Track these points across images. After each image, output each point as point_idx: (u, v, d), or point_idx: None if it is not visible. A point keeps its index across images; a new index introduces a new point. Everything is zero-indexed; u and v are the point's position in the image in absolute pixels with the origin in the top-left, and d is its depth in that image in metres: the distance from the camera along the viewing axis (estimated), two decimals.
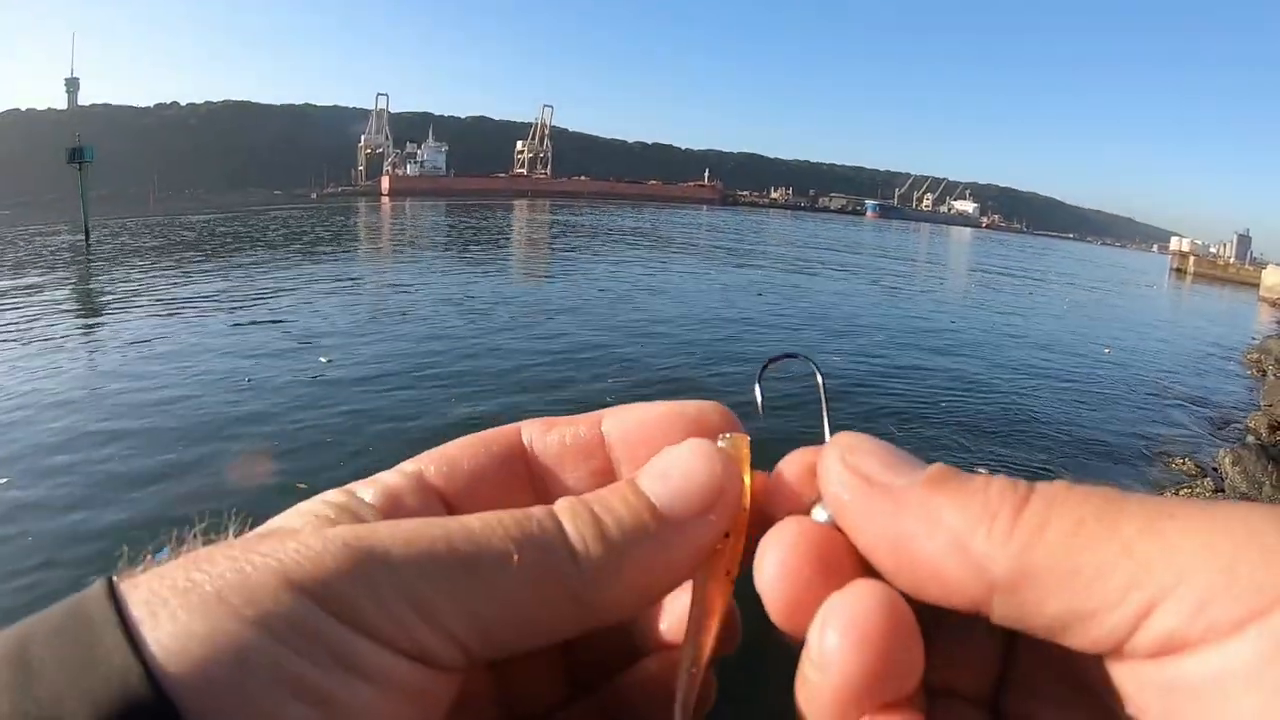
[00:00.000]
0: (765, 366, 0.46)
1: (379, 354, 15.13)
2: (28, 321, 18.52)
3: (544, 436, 0.49)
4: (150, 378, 13.23)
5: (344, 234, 56.02)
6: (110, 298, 23.10)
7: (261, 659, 0.33)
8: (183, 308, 20.41)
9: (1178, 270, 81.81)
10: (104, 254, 37.35)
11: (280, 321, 18.20)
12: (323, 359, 14.30)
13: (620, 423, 0.49)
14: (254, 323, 18.17)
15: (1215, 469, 11.83)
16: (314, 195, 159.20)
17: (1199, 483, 10.92)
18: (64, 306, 21.36)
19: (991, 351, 19.46)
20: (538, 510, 0.41)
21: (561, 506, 0.42)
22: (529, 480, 0.48)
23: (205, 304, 20.92)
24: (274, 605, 0.34)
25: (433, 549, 0.37)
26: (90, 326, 18.61)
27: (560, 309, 20.83)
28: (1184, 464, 11.73)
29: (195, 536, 0.42)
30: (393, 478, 0.46)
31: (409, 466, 0.47)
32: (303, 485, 8.49)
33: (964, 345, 19.84)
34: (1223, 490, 10.75)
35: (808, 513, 0.41)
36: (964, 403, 14.13)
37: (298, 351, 15.15)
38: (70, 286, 25.57)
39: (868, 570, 0.38)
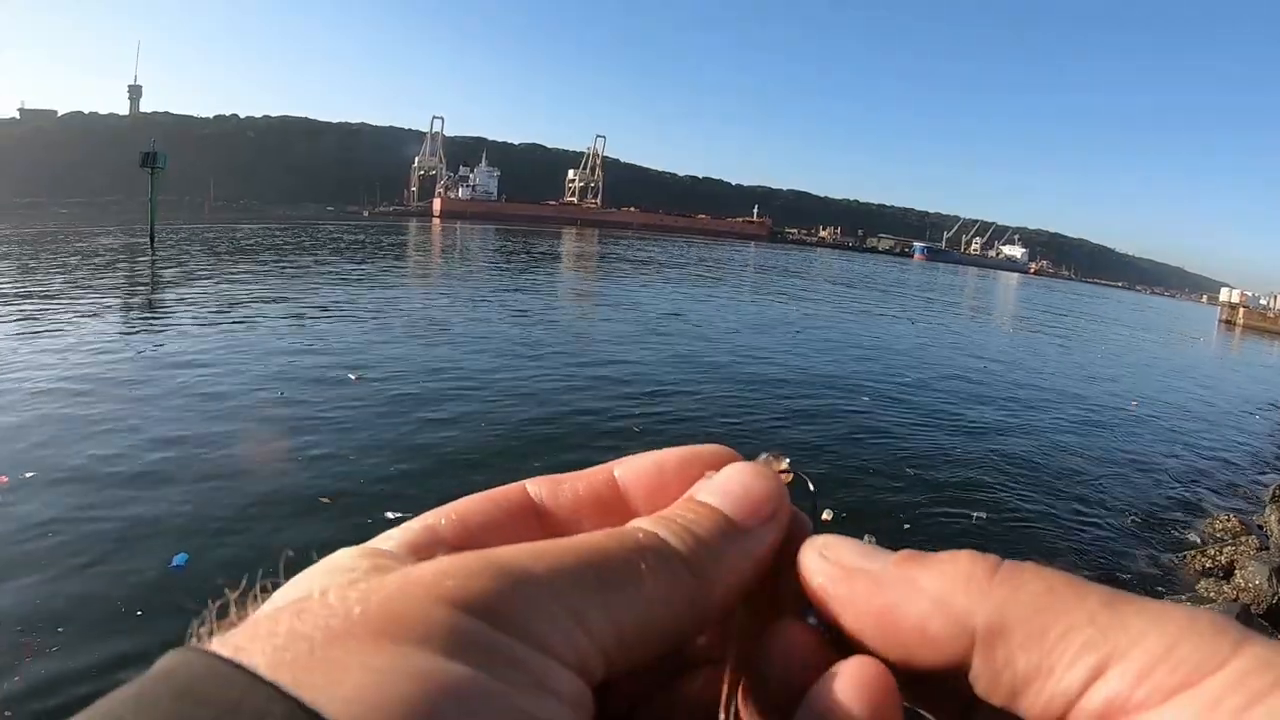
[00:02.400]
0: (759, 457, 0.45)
1: (409, 372, 15.59)
2: (83, 320, 19.35)
3: (554, 490, 0.49)
4: (188, 384, 13.77)
5: (394, 252, 57.12)
6: (167, 302, 24.03)
7: (470, 688, 0.30)
8: (230, 317, 21.19)
9: (1227, 322, 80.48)
10: (166, 259, 38.28)
11: (319, 337, 18.89)
12: (351, 376, 14.75)
13: (634, 470, 0.48)
14: (294, 335, 18.95)
15: (1260, 526, 11.93)
16: (366, 213, 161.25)
17: (1242, 540, 11.01)
18: (124, 309, 22.14)
19: (1029, 400, 19.72)
20: (630, 527, 0.41)
21: (645, 523, 0.42)
22: (542, 535, 0.47)
23: (252, 314, 21.76)
24: (449, 627, 0.32)
25: (571, 563, 0.37)
26: (143, 330, 19.28)
27: (600, 337, 21.26)
28: (1228, 522, 11.79)
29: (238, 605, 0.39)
30: (405, 534, 0.44)
31: (416, 524, 0.45)
32: (326, 500, 8.89)
33: (996, 395, 19.96)
34: (1267, 548, 10.82)
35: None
36: (991, 450, 14.33)
37: (330, 366, 15.60)
38: (131, 289, 26.39)
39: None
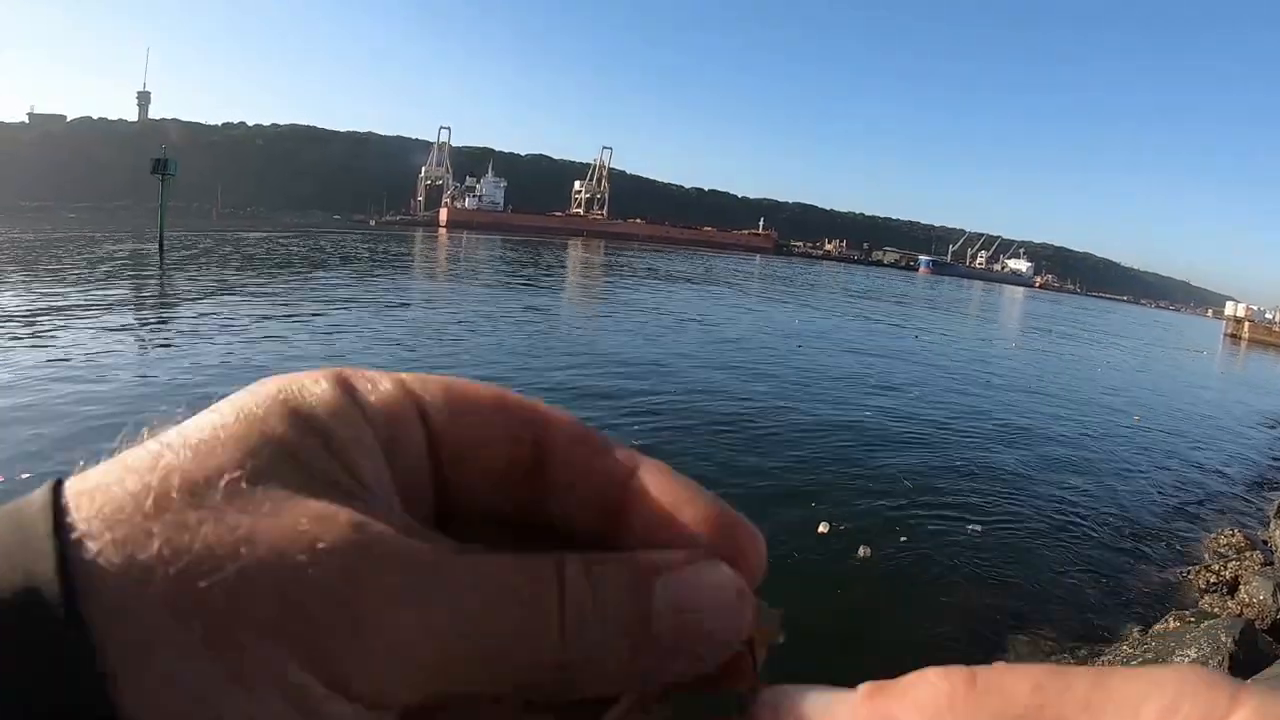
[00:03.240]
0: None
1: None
2: (95, 327, 19.24)
3: (570, 447, 0.43)
4: (191, 388, 13.73)
5: (399, 261, 57.39)
6: (174, 307, 24.10)
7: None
8: (235, 322, 21.25)
9: (1232, 336, 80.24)
10: (173, 264, 38.43)
11: (322, 342, 19.03)
12: None
13: (654, 485, 0.42)
14: (298, 340, 19.09)
15: (1265, 541, 11.84)
16: (372, 222, 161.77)
17: (1247, 555, 10.88)
18: (132, 319, 22.02)
19: (1030, 413, 19.63)
20: (545, 563, 0.37)
21: (571, 572, 0.37)
22: (530, 470, 0.42)
23: (256, 319, 21.83)
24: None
25: (428, 560, 0.34)
26: (148, 338, 19.26)
27: (602, 348, 21.10)
28: (1232, 537, 11.65)
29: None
30: (394, 394, 0.40)
31: (412, 383, 0.41)
32: None
33: (997, 408, 19.89)
34: (1272, 563, 10.73)
35: None
36: (990, 463, 14.29)
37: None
38: (139, 300, 26.21)
39: None
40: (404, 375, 0.41)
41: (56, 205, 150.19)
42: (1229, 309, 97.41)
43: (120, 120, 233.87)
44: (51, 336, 17.21)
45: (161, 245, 42.71)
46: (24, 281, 27.50)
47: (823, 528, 9.78)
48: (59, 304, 22.15)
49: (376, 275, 42.12)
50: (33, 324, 18.51)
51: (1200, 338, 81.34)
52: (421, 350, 19.37)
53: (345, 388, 0.38)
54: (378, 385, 0.40)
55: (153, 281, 31.84)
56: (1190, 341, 69.48)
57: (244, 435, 0.35)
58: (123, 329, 19.15)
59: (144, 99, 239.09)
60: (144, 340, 17.64)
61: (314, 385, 0.38)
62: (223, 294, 27.93)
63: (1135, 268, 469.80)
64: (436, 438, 0.40)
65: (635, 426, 13.72)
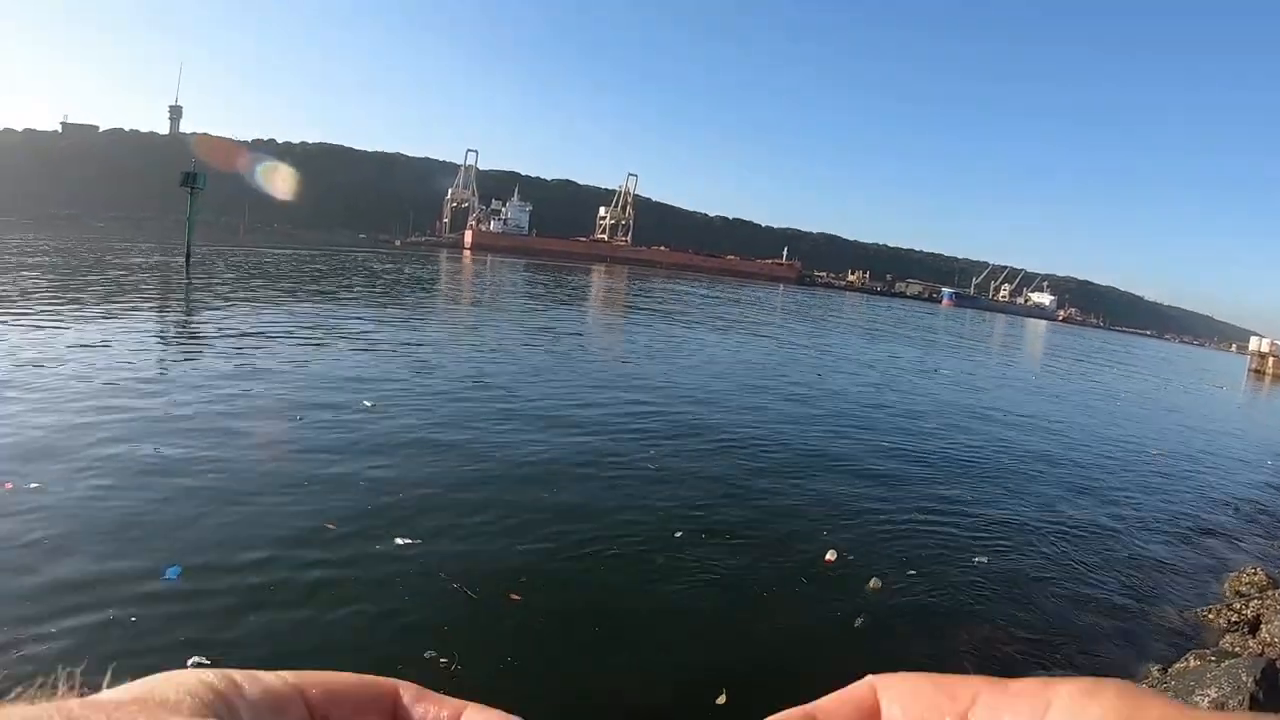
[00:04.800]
0: None
1: (424, 404, 15.44)
2: (115, 337, 19.43)
3: (414, 706, 0.49)
4: (210, 404, 13.77)
5: (424, 283, 57.52)
6: (199, 321, 24.31)
7: None
8: (258, 337, 21.39)
9: (1257, 371, 78.98)
10: (200, 278, 38.75)
11: (342, 365, 18.78)
12: (366, 403, 14.68)
13: None
14: (316, 359, 18.98)
15: None
16: (398, 242, 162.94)
17: (1269, 594, 10.64)
18: (156, 327, 22.40)
19: (1047, 446, 19.41)
20: None
21: None
22: None
23: (279, 336, 21.90)
24: None
25: None
26: (175, 348, 19.54)
27: (620, 378, 20.97)
28: (1254, 575, 11.41)
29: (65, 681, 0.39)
30: (276, 682, 0.44)
31: (291, 678, 0.45)
32: (331, 525, 8.74)
33: (1014, 441, 19.65)
34: None
35: None
36: (1005, 495, 14.13)
37: (349, 391, 15.63)
38: (164, 313, 26.56)
39: None
40: (281, 671, 0.44)
41: (86, 214, 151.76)
42: (1253, 344, 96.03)
43: (152, 133, 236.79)
44: (67, 350, 17.43)
45: (189, 259, 43.11)
46: (48, 295, 27.69)
47: (829, 556, 9.67)
48: (81, 319, 22.42)
49: (395, 296, 42.32)
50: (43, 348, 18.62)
51: (1224, 372, 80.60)
52: (434, 375, 19.32)
53: (231, 683, 0.41)
54: (262, 678, 0.43)
55: (179, 298, 32.14)
56: (1213, 377, 68.58)
57: None
58: (139, 346, 19.22)
59: (176, 113, 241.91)
60: (155, 361, 17.58)
61: (197, 681, 0.39)
62: (244, 309, 28.18)
63: (1159, 301, 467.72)
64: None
65: (651, 451, 13.71)
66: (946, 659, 7.85)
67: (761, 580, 8.88)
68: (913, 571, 9.76)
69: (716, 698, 6.43)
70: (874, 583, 9.16)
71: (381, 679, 0.50)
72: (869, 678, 0.49)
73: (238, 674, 0.43)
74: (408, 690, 0.50)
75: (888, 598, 8.93)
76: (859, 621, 8.21)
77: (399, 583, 7.74)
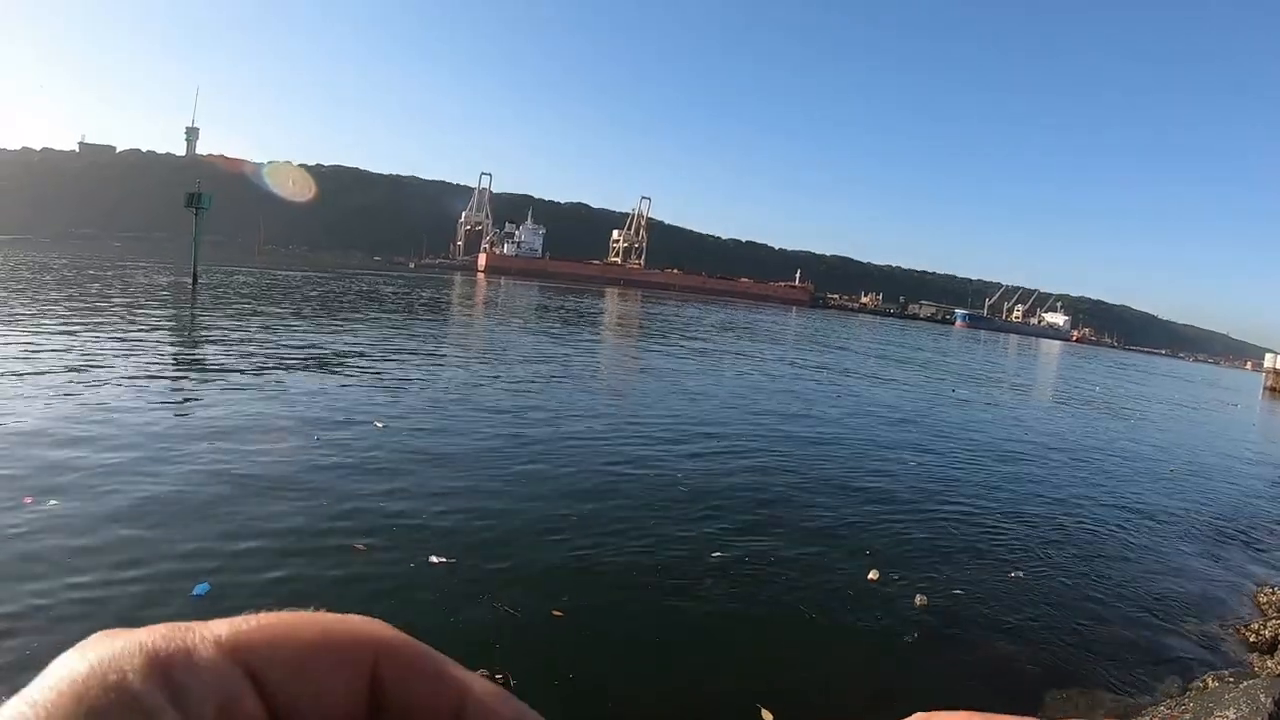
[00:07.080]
0: None
1: (439, 425, 15.31)
2: (122, 358, 19.33)
3: (403, 678, 0.40)
4: (228, 424, 13.68)
5: (439, 306, 57.75)
6: (206, 342, 24.36)
7: None
8: (271, 360, 21.30)
9: (1272, 389, 78.21)
10: (207, 299, 38.85)
11: (353, 386, 18.67)
12: (378, 424, 14.54)
13: (485, 713, 0.40)
14: (329, 383, 18.76)
15: None
16: (412, 264, 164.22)
17: None
18: (160, 347, 22.29)
19: (1068, 464, 19.33)
20: None
21: None
22: (370, 708, 0.39)
23: (293, 359, 21.76)
24: None
25: None
26: (181, 368, 19.40)
27: (631, 410, 20.72)
28: (1273, 594, 11.15)
29: None
30: (219, 666, 0.36)
31: (235, 641, 0.37)
32: (360, 547, 8.61)
33: (1034, 459, 19.61)
34: None
35: None
36: (1031, 513, 14.04)
37: (362, 414, 15.46)
38: (170, 333, 26.57)
39: None
40: (224, 632, 0.37)
41: (102, 234, 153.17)
42: (1269, 361, 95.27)
43: (169, 154, 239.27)
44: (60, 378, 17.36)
45: (195, 280, 43.14)
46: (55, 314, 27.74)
47: (873, 575, 9.60)
48: (92, 341, 22.44)
49: (410, 319, 42.39)
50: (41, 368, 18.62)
51: (1239, 390, 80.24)
52: (448, 395, 19.23)
53: (161, 678, 0.34)
54: (197, 661, 0.36)
55: (184, 318, 32.33)
56: (1227, 395, 68.02)
57: None
58: (146, 366, 19.23)
59: (193, 134, 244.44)
60: (165, 380, 17.50)
61: (123, 684, 0.33)
62: (250, 329, 28.38)
63: (1173, 320, 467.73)
64: (271, 699, 0.37)
65: (674, 464, 13.63)
66: (995, 677, 7.76)
67: (807, 599, 8.77)
68: (958, 590, 9.66)
69: (761, 717, 6.30)
70: (920, 599, 9.07)
71: (356, 628, 0.40)
72: (917, 715, 0.45)
73: (164, 653, 0.35)
74: (389, 656, 0.40)
75: (934, 614, 8.84)
76: (909, 638, 8.14)
77: (440, 601, 7.64)
